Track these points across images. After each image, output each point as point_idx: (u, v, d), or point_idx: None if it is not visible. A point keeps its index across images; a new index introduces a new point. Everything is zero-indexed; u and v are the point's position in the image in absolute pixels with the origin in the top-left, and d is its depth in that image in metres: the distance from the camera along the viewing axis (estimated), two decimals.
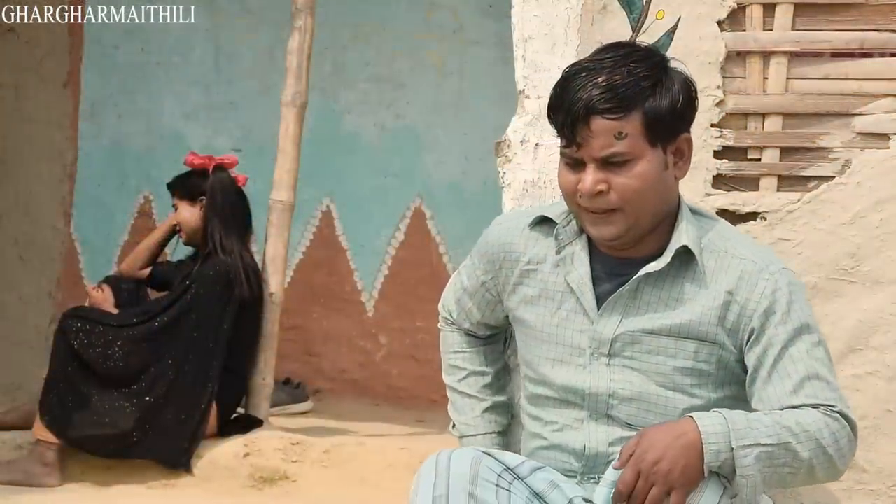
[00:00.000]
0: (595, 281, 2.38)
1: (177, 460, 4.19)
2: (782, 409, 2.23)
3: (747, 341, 2.30)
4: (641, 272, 2.33)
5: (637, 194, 2.28)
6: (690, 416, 2.18)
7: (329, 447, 4.20)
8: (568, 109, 2.26)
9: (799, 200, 2.85)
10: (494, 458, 2.27)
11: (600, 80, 2.26)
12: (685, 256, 2.34)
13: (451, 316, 2.66)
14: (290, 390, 5.16)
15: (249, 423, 4.37)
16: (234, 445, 4.22)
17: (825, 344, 2.32)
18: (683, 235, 2.34)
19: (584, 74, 2.28)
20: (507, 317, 2.55)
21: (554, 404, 2.41)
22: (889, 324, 2.80)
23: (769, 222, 2.85)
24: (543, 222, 2.45)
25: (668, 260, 2.32)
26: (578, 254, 2.39)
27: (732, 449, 2.13)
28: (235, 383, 4.41)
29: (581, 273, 2.38)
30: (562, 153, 2.33)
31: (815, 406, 2.23)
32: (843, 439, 2.21)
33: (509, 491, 2.25)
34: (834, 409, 2.23)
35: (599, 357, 2.36)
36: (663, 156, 2.31)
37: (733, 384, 2.34)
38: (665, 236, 2.36)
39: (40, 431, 4.21)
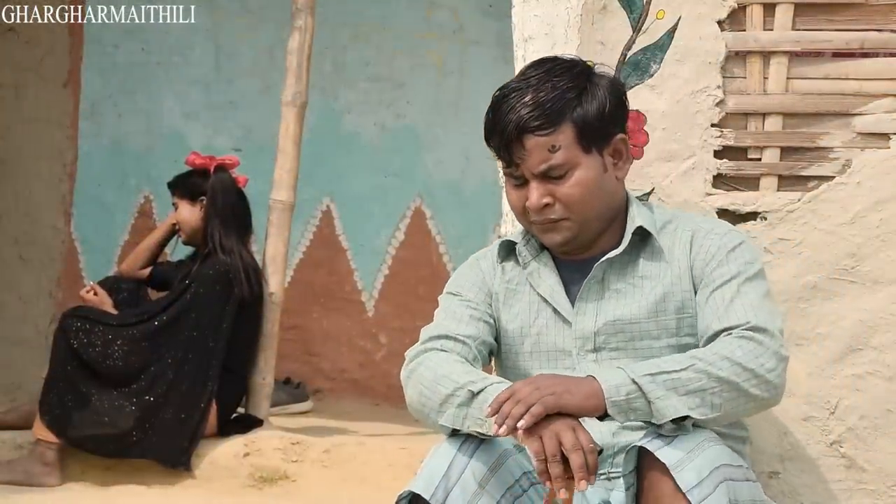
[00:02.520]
0: (566, 287, 2.43)
1: (176, 460, 4.20)
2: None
3: (698, 292, 2.37)
4: (603, 259, 2.39)
5: (580, 201, 2.35)
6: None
7: (329, 447, 4.21)
8: (501, 132, 2.34)
9: (799, 200, 2.85)
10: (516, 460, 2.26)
11: (527, 99, 2.33)
12: (643, 240, 2.41)
13: (424, 351, 2.40)
14: (291, 390, 5.17)
15: (249, 423, 4.37)
16: (234, 445, 4.23)
17: (764, 288, 2.35)
18: (637, 218, 2.41)
19: (512, 96, 2.35)
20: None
21: None
22: (889, 324, 2.80)
23: (769, 222, 2.85)
24: (509, 248, 2.50)
25: (626, 243, 2.39)
26: (544, 266, 2.45)
27: (634, 382, 2.14)
28: (235, 383, 4.41)
29: (550, 283, 2.44)
30: (505, 174, 2.41)
31: (730, 330, 2.26)
32: (764, 354, 2.22)
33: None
34: (745, 326, 2.25)
35: (586, 355, 2.39)
36: (600, 159, 2.37)
37: None
38: (620, 229, 2.43)
39: (40, 431, 4.22)
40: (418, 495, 2.18)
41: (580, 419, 2.15)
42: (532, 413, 2.09)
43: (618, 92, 2.41)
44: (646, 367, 2.19)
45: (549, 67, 2.38)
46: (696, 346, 2.35)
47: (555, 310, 2.42)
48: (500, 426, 2.10)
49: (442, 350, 2.37)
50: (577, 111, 2.33)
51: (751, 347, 2.22)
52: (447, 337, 2.40)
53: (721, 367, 2.18)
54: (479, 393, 2.21)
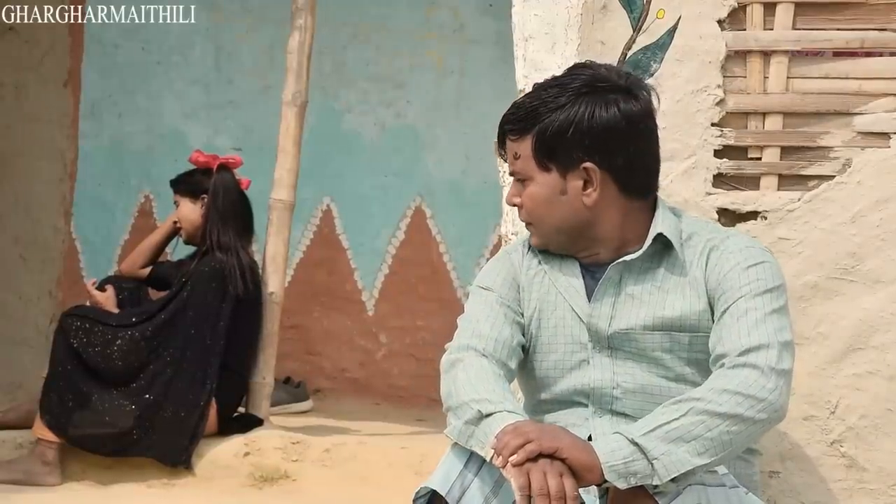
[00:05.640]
0: (585, 282, 2.41)
1: (177, 458, 4.19)
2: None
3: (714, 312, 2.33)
4: (619, 260, 2.36)
5: (533, 212, 2.39)
6: None
7: (329, 446, 4.21)
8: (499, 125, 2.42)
9: (799, 200, 2.85)
10: None
11: (519, 99, 2.39)
12: (666, 248, 2.37)
13: (466, 349, 2.40)
14: (291, 389, 5.17)
15: (249, 422, 4.37)
16: (234, 444, 4.22)
17: (773, 304, 2.27)
18: (659, 224, 2.37)
19: (525, 93, 2.41)
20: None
21: (558, 406, 2.42)
22: (889, 323, 2.80)
23: (769, 222, 2.85)
24: None
25: (646, 247, 2.35)
26: (565, 258, 2.44)
27: (636, 444, 2.07)
28: (235, 382, 4.41)
29: (568, 277, 2.42)
30: None
31: (723, 358, 2.21)
32: (762, 376, 2.15)
33: None
34: (738, 351, 2.19)
35: (601, 350, 2.38)
36: (560, 181, 2.34)
37: None
38: (645, 236, 2.38)
39: (40, 430, 4.22)
40: (436, 493, 2.17)
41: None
42: (526, 449, 2.05)
43: (610, 121, 2.29)
44: (642, 424, 2.11)
45: (565, 75, 2.37)
46: (708, 363, 2.29)
47: (571, 306, 2.40)
48: (497, 455, 2.07)
49: (483, 355, 2.34)
50: (541, 125, 2.32)
51: (746, 374, 2.16)
52: (487, 338, 2.37)
53: (721, 402, 2.12)
54: (487, 416, 2.18)
